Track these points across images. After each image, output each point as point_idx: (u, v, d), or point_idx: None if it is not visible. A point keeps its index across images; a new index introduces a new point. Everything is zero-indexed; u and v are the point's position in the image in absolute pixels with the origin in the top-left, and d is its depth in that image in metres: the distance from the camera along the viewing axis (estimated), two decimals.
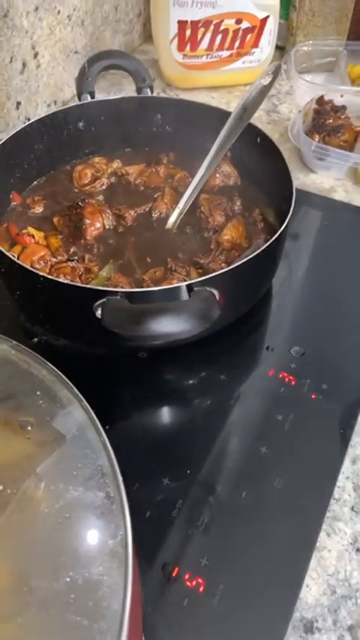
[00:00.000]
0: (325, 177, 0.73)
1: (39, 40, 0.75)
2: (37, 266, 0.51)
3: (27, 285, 0.46)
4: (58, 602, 0.22)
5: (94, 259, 0.53)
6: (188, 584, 0.39)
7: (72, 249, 0.54)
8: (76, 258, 0.52)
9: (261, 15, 0.81)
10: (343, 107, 0.76)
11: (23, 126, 0.58)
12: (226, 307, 0.44)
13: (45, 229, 0.57)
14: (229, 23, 0.81)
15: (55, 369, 0.31)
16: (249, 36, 0.83)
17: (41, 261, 0.51)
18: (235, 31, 0.82)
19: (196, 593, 0.38)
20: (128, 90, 0.87)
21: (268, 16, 0.82)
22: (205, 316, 0.39)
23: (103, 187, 0.62)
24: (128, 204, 0.59)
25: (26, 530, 0.24)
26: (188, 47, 0.83)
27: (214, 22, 0.81)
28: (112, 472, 0.27)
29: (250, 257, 0.45)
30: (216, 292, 0.42)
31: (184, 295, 0.42)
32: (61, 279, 0.47)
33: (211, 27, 0.81)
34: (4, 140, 0.56)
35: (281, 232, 0.48)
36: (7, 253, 0.45)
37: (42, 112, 0.80)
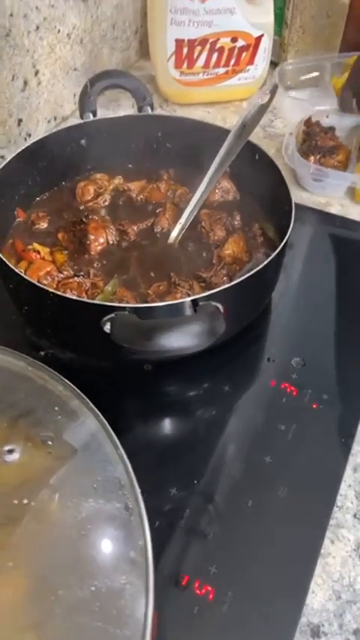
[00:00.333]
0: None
1: (40, 59, 0.76)
2: (45, 281, 0.52)
3: (36, 300, 0.47)
4: (85, 610, 0.24)
5: (99, 274, 0.55)
6: (198, 592, 0.40)
7: (77, 265, 0.55)
8: (82, 273, 0.53)
9: (256, 33, 0.84)
10: (332, 128, 0.78)
11: (28, 144, 0.59)
12: (230, 321, 0.45)
13: (50, 245, 0.58)
14: (225, 42, 0.83)
15: (71, 384, 0.32)
16: (244, 54, 0.85)
17: (48, 277, 0.53)
18: (231, 49, 0.84)
19: (205, 600, 0.39)
20: (125, 105, 0.89)
21: (262, 35, 0.84)
22: (212, 331, 0.40)
23: (106, 203, 0.63)
24: (131, 219, 0.61)
25: (52, 542, 0.25)
26: (185, 65, 0.85)
27: (211, 40, 0.83)
28: (129, 484, 0.28)
29: (253, 272, 0.46)
30: (220, 307, 0.44)
31: (190, 310, 0.44)
32: (70, 295, 0.48)
33: (208, 45, 0.83)
34: (9, 159, 0.57)
35: (282, 247, 0.49)
36: (17, 270, 0.46)
37: (42, 128, 0.82)
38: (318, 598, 0.41)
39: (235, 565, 0.41)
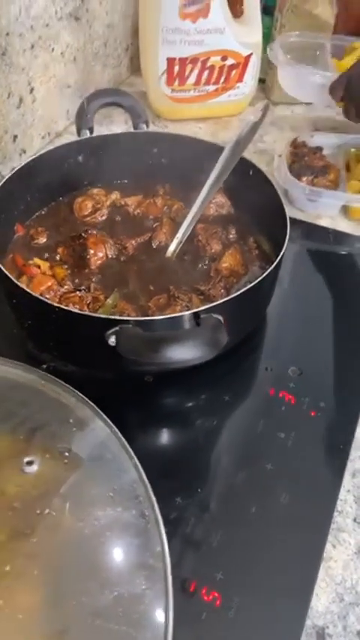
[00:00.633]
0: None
1: (34, 76, 0.78)
2: (47, 296, 0.53)
3: (40, 315, 0.48)
4: (109, 615, 0.24)
5: (99, 288, 0.56)
6: (205, 598, 0.41)
7: (77, 279, 0.57)
8: (83, 287, 0.54)
9: (245, 52, 0.86)
10: (319, 148, 0.80)
11: (27, 161, 0.60)
12: (230, 332, 0.47)
13: (49, 259, 0.59)
14: (215, 60, 0.86)
15: (84, 397, 0.33)
16: (234, 72, 0.88)
17: (50, 291, 0.54)
18: (221, 68, 0.87)
19: (213, 606, 0.40)
20: (118, 122, 0.91)
21: (251, 54, 0.87)
22: (215, 343, 0.42)
23: (104, 218, 0.65)
24: (128, 234, 0.62)
25: (74, 550, 0.26)
26: (177, 82, 0.87)
27: (201, 59, 0.85)
28: (145, 492, 0.29)
29: (252, 285, 0.48)
30: (221, 319, 0.45)
31: (192, 322, 0.45)
32: (74, 309, 0.49)
33: (199, 63, 0.86)
34: (9, 175, 0.58)
35: (279, 260, 0.51)
36: (22, 285, 0.47)
37: (37, 144, 0.83)
38: (322, 601, 0.42)
39: (240, 571, 0.42)
